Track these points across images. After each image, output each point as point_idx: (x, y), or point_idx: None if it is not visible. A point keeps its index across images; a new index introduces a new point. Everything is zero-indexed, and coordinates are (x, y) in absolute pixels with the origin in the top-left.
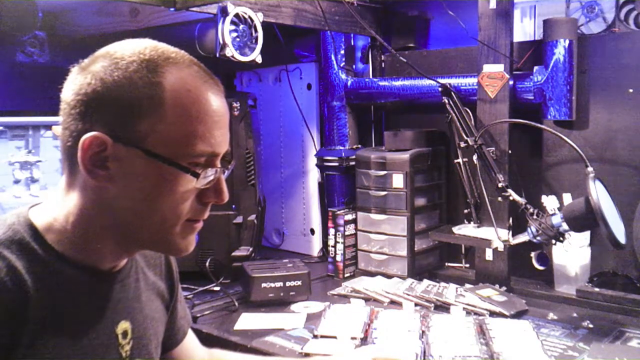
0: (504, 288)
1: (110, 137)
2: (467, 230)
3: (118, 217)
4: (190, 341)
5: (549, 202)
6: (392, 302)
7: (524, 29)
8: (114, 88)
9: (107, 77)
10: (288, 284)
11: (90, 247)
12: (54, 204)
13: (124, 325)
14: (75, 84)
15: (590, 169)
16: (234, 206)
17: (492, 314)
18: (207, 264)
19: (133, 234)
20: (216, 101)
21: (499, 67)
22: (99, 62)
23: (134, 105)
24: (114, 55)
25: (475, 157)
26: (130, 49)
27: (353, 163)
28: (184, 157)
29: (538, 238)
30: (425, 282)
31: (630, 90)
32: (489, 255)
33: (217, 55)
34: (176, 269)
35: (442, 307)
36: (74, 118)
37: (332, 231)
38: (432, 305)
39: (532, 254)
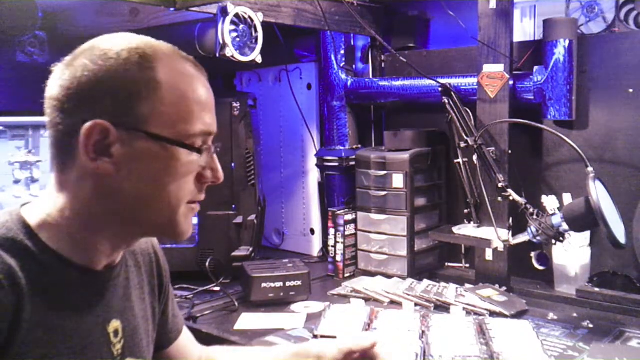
0: (504, 288)
1: (111, 123)
2: (467, 230)
3: (123, 204)
4: (186, 339)
5: (549, 202)
6: (392, 302)
7: (524, 29)
8: (109, 76)
9: (99, 67)
10: (288, 284)
11: (86, 240)
12: (46, 201)
13: (115, 324)
14: (63, 79)
15: (590, 169)
16: (234, 206)
17: (492, 314)
18: (207, 264)
19: (138, 219)
20: (205, 85)
21: (499, 67)
22: (86, 56)
23: (132, 90)
24: (101, 46)
25: (475, 157)
26: (117, 41)
27: (353, 163)
28: (185, 137)
29: (538, 238)
30: (425, 282)
31: (630, 90)
32: (489, 255)
33: (217, 55)
34: (167, 267)
35: (442, 307)
36: (67, 113)
37: (332, 231)
38: (432, 305)
39: (532, 254)
